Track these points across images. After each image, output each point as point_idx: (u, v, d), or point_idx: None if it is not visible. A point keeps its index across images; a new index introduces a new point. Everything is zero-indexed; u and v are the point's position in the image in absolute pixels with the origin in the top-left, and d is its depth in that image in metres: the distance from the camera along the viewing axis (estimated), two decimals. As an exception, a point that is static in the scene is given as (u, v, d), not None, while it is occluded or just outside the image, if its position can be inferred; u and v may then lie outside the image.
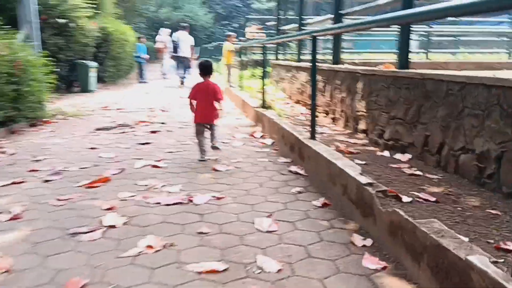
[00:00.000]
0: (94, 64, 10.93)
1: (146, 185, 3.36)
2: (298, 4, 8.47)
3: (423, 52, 9.97)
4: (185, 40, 12.96)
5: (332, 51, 6.09)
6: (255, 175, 3.67)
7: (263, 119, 5.55)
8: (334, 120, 5.69)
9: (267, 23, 11.41)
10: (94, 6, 10.72)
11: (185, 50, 12.90)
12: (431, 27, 10.18)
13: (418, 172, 3.19)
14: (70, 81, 10.57)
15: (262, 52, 8.11)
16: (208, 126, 4.21)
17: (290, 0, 10.65)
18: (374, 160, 3.64)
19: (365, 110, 4.64)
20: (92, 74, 10.85)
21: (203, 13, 37.40)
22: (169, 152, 4.52)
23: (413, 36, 5.99)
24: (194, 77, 17.29)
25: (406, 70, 3.97)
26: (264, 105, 6.03)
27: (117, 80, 13.74)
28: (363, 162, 3.50)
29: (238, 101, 8.01)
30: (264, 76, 6.06)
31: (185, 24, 13.85)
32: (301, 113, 6.62)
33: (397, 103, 3.92)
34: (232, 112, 7.50)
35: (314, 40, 3.89)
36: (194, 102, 4.20)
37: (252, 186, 3.38)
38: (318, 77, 6.38)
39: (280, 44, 9.71)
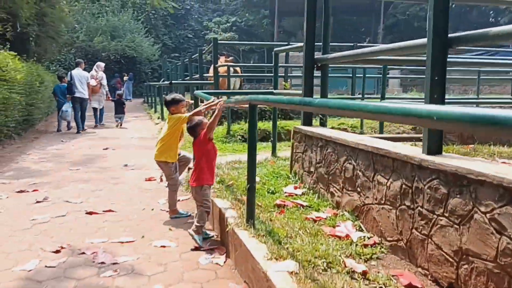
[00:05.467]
0: None
1: None
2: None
3: None
4: (80, 77, 11.26)
5: None
6: None
7: None
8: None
9: (275, 49, 6.80)
10: None
11: (82, 89, 11.22)
12: None
13: None
14: None
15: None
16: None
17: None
18: None
19: None
20: None
21: (147, 44, 31.89)
22: None
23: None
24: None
25: None
26: None
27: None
28: None
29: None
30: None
31: (78, 60, 12.58)
32: None
33: None
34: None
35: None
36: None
37: None
38: None
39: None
